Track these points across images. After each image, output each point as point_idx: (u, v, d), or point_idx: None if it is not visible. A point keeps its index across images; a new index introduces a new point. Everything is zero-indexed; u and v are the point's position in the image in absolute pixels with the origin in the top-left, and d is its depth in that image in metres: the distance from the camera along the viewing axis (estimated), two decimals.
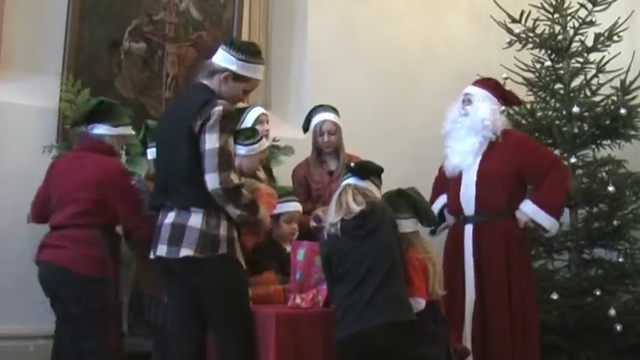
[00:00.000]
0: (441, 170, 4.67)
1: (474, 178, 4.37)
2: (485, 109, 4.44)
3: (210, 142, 3.18)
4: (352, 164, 3.52)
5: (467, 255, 4.33)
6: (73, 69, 4.68)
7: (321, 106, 4.67)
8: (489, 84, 4.65)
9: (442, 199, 4.64)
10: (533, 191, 4.41)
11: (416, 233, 3.62)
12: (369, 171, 3.50)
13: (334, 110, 4.63)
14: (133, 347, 4.24)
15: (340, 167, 4.49)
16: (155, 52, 5.12)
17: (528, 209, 4.30)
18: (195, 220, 3.22)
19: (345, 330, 3.17)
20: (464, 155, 4.42)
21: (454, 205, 4.49)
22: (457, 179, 4.45)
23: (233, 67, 3.39)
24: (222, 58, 3.41)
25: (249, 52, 3.44)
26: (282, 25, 5.85)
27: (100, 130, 3.86)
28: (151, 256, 3.37)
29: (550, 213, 4.30)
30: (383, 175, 3.56)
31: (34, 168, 4.16)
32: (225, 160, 3.20)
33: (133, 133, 4.14)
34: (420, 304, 3.40)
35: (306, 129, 4.69)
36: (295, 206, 4.09)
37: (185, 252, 3.19)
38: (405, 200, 3.62)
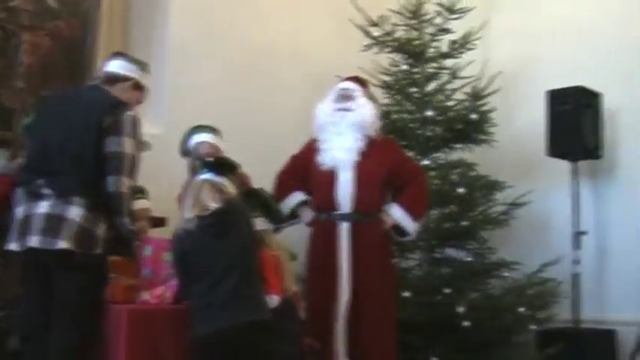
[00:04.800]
0: (295, 164, 4.59)
1: (352, 176, 4.30)
2: (369, 106, 4.46)
3: (124, 146, 3.24)
4: (208, 159, 3.49)
5: (342, 253, 4.26)
6: None
7: (198, 127, 4.28)
8: (364, 82, 4.67)
9: (298, 196, 4.47)
10: (396, 196, 4.48)
11: (267, 231, 3.66)
12: (225, 167, 3.49)
13: (213, 130, 4.26)
14: None
15: None
16: (9, 40, 4.85)
17: (396, 213, 4.39)
18: (75, 212, 3.16)
19: (202, 327, 3.15)
20: (344, 151, 4.34)
21: (326, 201, 4.35)
22: (330, 175, 4.33)
23: (136, 76, 3.50)
24: (122, 67, 3.50)
25: (144, 64, 3.62)
26: (143, 17, 5.70)
27: None
28: (13, 248, 3.22)
29: (415, 219, 4.42)
30: None
31: None
32: (133, 167, 3.29)
33: None
34: (274, 300, 3.44)
35: (185, 153, 4.28)
36: (143, 204, 3.92)
37: (62, 244, 3.11)
38: (256, 199, 3.65)
